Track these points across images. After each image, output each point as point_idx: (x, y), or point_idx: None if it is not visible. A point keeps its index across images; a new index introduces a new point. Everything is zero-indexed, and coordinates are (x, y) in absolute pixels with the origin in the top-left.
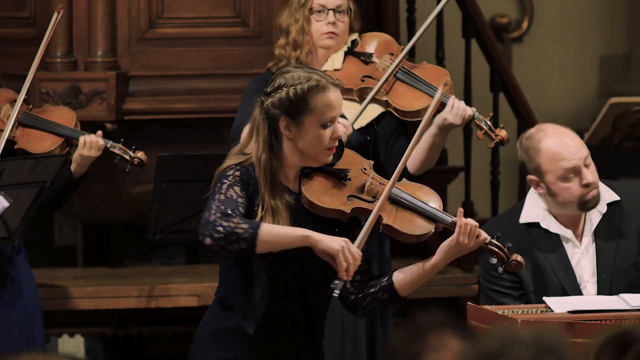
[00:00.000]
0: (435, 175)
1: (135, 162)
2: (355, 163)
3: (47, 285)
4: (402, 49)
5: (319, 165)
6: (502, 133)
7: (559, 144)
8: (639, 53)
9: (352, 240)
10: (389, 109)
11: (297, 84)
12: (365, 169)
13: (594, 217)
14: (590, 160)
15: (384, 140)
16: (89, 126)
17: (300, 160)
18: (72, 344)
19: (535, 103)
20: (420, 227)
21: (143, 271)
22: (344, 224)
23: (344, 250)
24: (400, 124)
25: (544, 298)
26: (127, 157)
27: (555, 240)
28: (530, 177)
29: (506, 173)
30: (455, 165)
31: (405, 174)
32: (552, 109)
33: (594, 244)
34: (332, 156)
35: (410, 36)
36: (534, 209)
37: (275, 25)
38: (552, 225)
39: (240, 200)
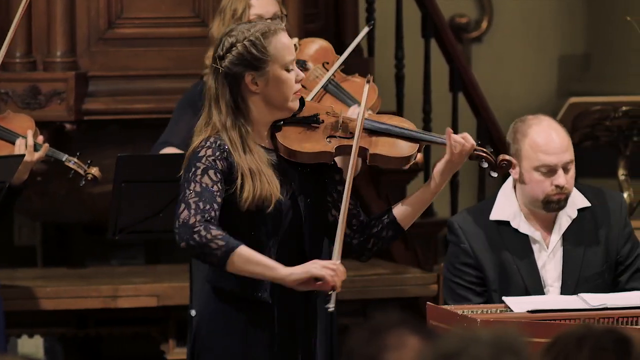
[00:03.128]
0: (394, 175)
1: (89, 178)
2: (319, 109)
3: (6, 285)
4: (337, 60)
5: (288, 115)
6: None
7: (546, 137)
8: (597, 53)
9: (336, 183)
10: None
11: (249, 35)
12: (329, 112)
13: (564, 221)
14: (572, 167)
15: None
16: (49, 126)
17: (270, 114)
18: (32, 344)
19: (495, 103)
20: (406, 148)
21: (102, 271)
22: (325, 173)
23: (317, 268)
24: None
25: (504, 298)
26: (81, 171)
27: (524, 241)
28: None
29: (465, 173)
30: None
31: None
32: (512, 109)
33: (562, 248)
34: (298, 103)
35: (369, 36)
36: (506, 207)
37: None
38: (522, 225)
39: (215, 188)
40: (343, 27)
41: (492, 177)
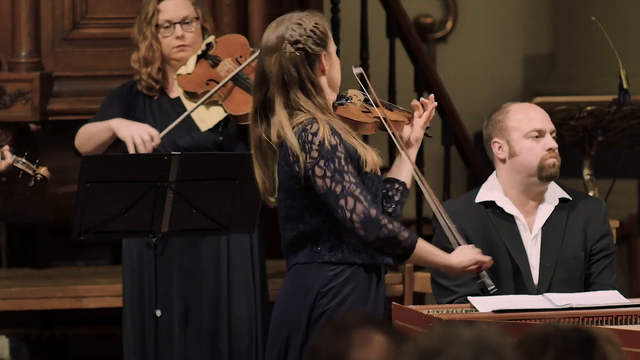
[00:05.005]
0: None
1: (38, 178)
2: None
3: None
4: (252, 53)
5: (334, 99)
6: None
7: (528, 109)
8: (562, 53)
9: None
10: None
11: (313, 20)
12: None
13: (547, 208)
14: (555, 137)
15: (232, 140)
16: (13, 127)
17: (330, 95)
18: None
19: (460, 103)
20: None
21: (67, 272)
22: None
23: (479, 259)
24: (240, 127)
25: (469, 297)
26: (30, 172)
27: (511, 221)
28: (495, 139)
29: (430, 173)
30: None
31: None
32: (477, 109)
33: (541, 232)
34: None
35: (334, 36)
36: (491, 191)
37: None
38: (507, 206)
39: (356, 174)
40: None
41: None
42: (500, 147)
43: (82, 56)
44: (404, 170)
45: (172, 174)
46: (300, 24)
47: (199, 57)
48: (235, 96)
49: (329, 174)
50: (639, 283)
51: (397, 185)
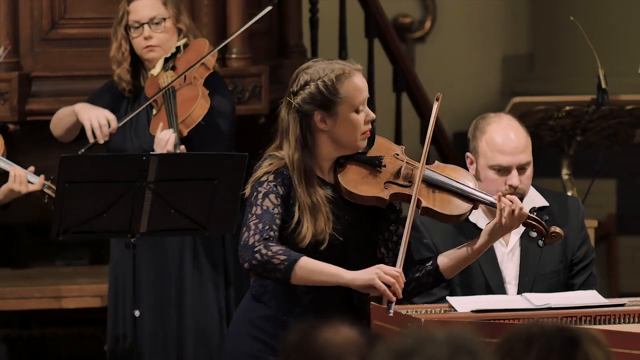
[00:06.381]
0: None
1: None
2: (387, 149)
3: None
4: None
5: (354, 152)
6: None
7: (503, 136)
8: (541, 53)
9: (390, 223)
10: None
11: (323, 76)
12: (397, 154)
13: None
14: (528, 168)
15: (193, 140)
16: None
17: (335, 151)
18: None
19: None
20: (459, 207)
21: (47, 272)
22: (381, 210)
23: (380, 276)
24: (198, 129)
25: (448, 298)
26: (54, 195)
27: None
28: (468, 154)
29: None
30: None
31: None
32: (456, 109)
33: (520, 246)
34: (366, 142)
35: (313, 37)
36: None
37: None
38: (480, 220)
39: (276, 210)
40: (286, 27)
41: (539, 246)
42: (471, 162)
43: (61, 56)
44: (453, 257)
45: (150, 174)
46: (308, 77)
47: (166, 60)
48: (161, 114)
49: (246, 206)
50: (617, 283)
51: (429, 265)
